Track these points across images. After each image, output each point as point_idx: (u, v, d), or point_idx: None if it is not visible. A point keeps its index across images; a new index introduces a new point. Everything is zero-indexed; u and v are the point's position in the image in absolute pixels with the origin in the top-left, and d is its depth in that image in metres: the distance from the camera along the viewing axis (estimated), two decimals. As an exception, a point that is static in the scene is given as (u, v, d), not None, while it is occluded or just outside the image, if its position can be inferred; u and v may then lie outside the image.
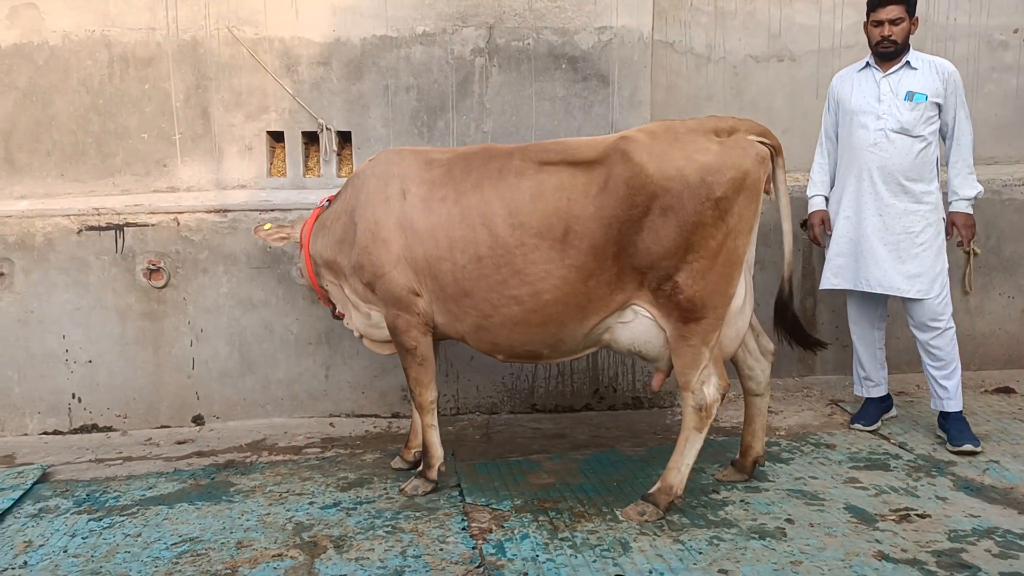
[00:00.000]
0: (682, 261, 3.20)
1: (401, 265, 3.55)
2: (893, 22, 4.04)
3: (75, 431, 4.69)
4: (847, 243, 4.20)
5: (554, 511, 3.44)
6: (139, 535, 3.33)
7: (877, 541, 3.11)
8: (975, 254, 5.06)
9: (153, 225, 4.65)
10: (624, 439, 4.34)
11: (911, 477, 3.71)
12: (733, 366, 3.68)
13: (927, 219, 4.06)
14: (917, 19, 4.13)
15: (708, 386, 3.30)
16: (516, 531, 3.26)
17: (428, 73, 5.49)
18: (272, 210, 4.86)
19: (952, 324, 4.12)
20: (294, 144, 5.42)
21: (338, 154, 5.58)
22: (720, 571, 2.92)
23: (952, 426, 4.05)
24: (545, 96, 5.52)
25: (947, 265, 4.12)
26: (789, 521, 3.30)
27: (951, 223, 4.12)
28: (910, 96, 4.03)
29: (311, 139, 5.58)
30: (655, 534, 3.20)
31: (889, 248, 4.08)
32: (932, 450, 4.03)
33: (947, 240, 4.13)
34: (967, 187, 4.07)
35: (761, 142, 3.30)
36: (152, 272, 4.63)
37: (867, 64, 4.21)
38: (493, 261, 3.37)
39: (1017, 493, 3.53)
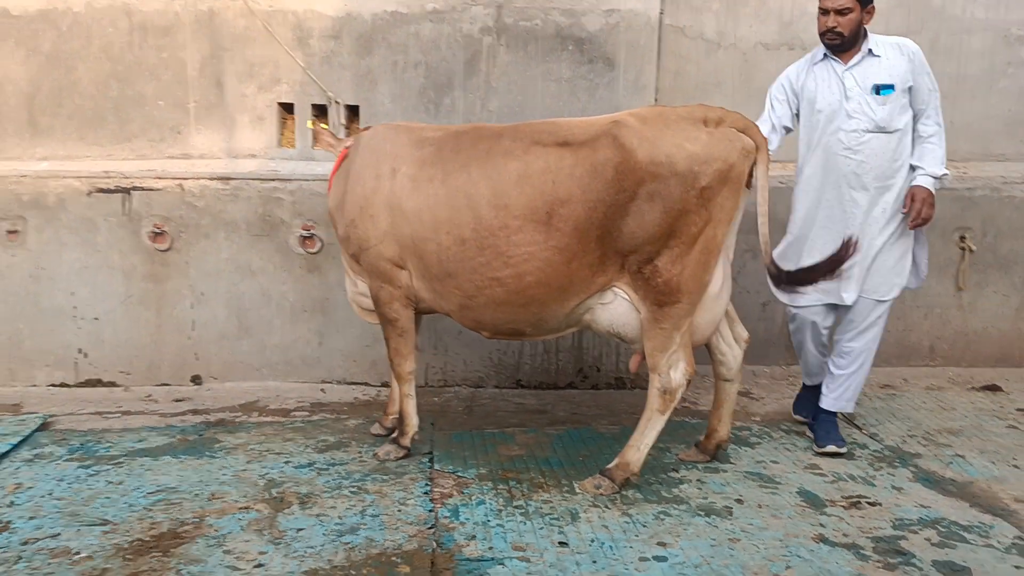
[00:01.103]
0: (663, 246, 3.28)
1: (387, 241, 3.63)
2: (839, 11, 3.73)
3: (81, 384, 4.91)
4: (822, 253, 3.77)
5: (515, 481, 3.56)
6: (121, 483, 3.52)
7: (821, 525, 3.18)
8: (971, 251, 5.04)
9: (159, 190, 4.83)
10: (602, 417, 4.44)
11: (872, 467, 3.76)
12: (706, 350, 3.76)
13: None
14: (872, 8, 3.81)
15: (675, 370, 3.39)
16: (474, 497, 3.39)
17: (436, 50, 5.58)
18: (275, 179, 5.01)
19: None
20: (304, 116, 5.55)
21: (346, 128, 5.70)
22: (659, 543, 3.02)
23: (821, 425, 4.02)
24: (551, 77, 5.58)
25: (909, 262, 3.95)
26: (739, 501, 3.38)
27: (910, 196, 3.78)
28: (877, 90, 3.77)
29: (321, 111, 5.70)
30: (605, 507, 3.31)
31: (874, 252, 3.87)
32: (901, 442, 4.07)
33: (902, 213, 3.83)
34: (935, 164, 3.79)
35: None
36: (157, 235, 4.82)
37: (825, 56, 3.90)
38: (477, 243, 3.43)
39: (975, 488, 3.56)
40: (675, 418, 4.31)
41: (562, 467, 3.73)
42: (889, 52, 3.81)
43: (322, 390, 4.82)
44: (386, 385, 4.89)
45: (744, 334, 3.77)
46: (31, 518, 3.18)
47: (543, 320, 3.55)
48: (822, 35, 3.83)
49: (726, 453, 3.88)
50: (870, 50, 3.83)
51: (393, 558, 2.89)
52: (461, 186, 3.50)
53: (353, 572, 2.79)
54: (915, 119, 3.84)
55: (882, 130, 3.79)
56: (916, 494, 3.48)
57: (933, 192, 3.79)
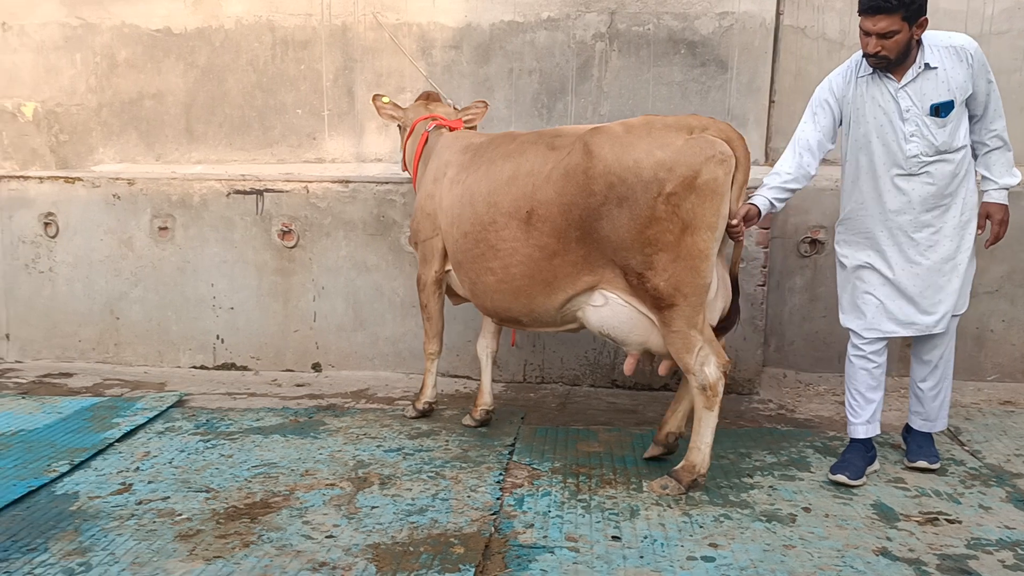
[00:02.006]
0: (641, 253, 3.35)
1: (437, 236, 4.09)
2: (884, 35, 3.26)
3: (217, 368, 5.43)
4: (883, 285, 3.59)
5: (585, 476, 3.67)
6: (231, 456, 3.91)
7: (887, 539, 3.10)
8: None
9: (287, 191, 5.25)
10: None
11: (963, 484, 3.59)
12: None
13: (971, 224, 3.55)
14: (924, 20, 3.30)
15: (708, 366, 3.41)
16: (541, 489, 3.53)
17: (550, 57, 5.75)
18: (389, 182, 5.33)
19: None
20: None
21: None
22: (711, 544, 3.05)
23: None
24: (663, 81, 5.63)
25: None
26: (806, 509, 3.34)
27: (984, 214, 3.54)
28: (936, 110, 3.36)
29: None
30: (667, 506, 3.37)
31: (945, 276, 3.55)
32: (1005, 460, 3.85)
33: (978, 234, 3.58)
34: (1006, 174, 3.50)
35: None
36: (284, 233, 5.25)
37: (874, 70, 3.46)
38: (474, 236, 3.77)
39: (1076, 513, 3.34)
40: (766, 425, 4.31)
41: (636, 466, 3.80)
42: (946, 60, 3.37)
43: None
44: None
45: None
46: (149, 482, 3.61)
47: (535, 311, 3.75)
48: (865, 57, 3.41)
49: (809, 461, 3.82)
50: (927, 63, 3.37)
51: (451, 539, 3.08)
52: (471, 185, 3.86)
53: (411, 548, 3.00)
54: (972, 120, 3.50)
55: (944, 153, 3.42)
56: (1004, 514, 3.31)
57: (1007, 205, 3.56)
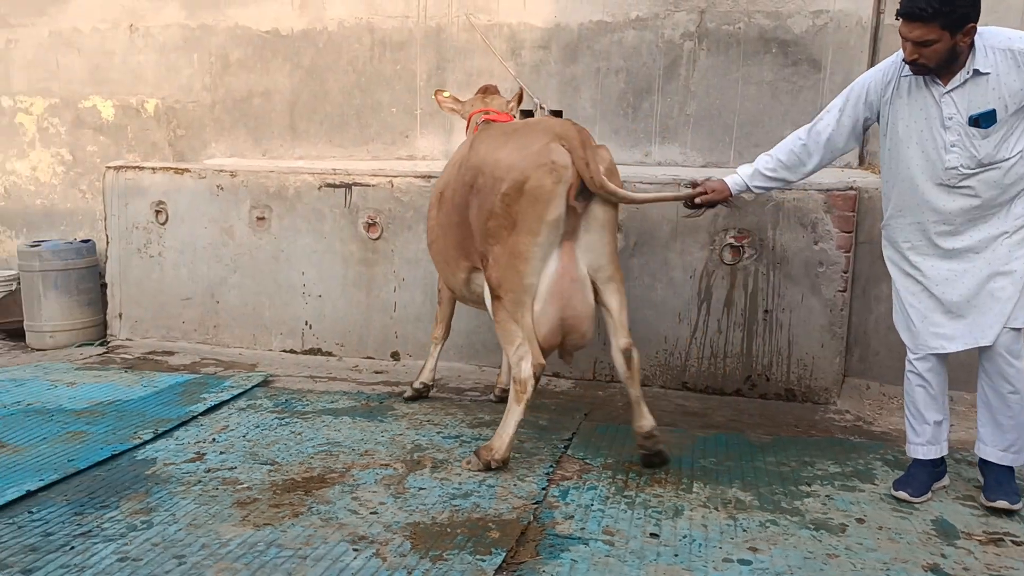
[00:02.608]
0: (484, 243, 3.60)
1: None
2: (921, 43, 2.99)
3: (305, 352, 5.67)
4: (929, 298, 3.35)
5: (636, 473, 3.66)
6: (300, 434, 4.09)
7: (941, 555, 2.96)
8: None
9: (373, 186, 5.44)
10: (759, 426, 4.36)
11: (1041, 507, 3.38)
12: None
13: (1017, 242, 3.20)
14: (972, 28, 2.99)
15: (524, 362, 3.56)
16: (588, 483, 3.55)
17: (637, 56, 5.75)
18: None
19: None
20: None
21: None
22: (751, 548, 2.99)
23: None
24: (752, 80, 5.54)
25: None
26: (859, 520, 3.22)
27: None
28: (976, 121, 3.07)
29: (529, 116, 6.06)
30: (713, 508, 3.32)
31: (984, 294, 3.24)
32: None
33: None
34: None
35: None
36: (370, 225, 5.44)
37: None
38: (426, 213, 4.48)
39: None
40: (838, 435, 4.17)
41: (691, 468, 3.75)
42: (1001, 65, 3.04)
43: (498, 374, 5.17)
44: (557, 375, 5.14)
45: (623, 343, 3.71)
46: (221, 453, 3.83)
47: (455, 284, 4.08)
48: (905, 62, 3.15)
49: (874, 473, 3.68)
50: (976, 69, 3.06)
51: (489, 523, 3.13)
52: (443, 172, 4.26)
53: (449, 529, 3.08)
54: None
55: (987, 167, 3.12)
56: (1079, 542, 3.10)
57: None
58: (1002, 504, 3.34)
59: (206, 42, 6.77)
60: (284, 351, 5.72)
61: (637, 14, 5.67)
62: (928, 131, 3.19)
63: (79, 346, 6.22)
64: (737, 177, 3.59)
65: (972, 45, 3.07)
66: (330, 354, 5.65)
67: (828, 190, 4.51)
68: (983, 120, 3.08)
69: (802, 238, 4.55)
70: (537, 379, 3.59)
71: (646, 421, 3.70)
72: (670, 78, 5.66)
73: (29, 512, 3.16)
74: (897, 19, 3.08)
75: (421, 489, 3.45)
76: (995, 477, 3.42)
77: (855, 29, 5.26)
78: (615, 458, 3.84)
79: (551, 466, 3.72)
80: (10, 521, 3.09)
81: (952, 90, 3.12)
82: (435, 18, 6.15)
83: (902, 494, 3.41)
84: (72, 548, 2.88)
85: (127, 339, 6.08)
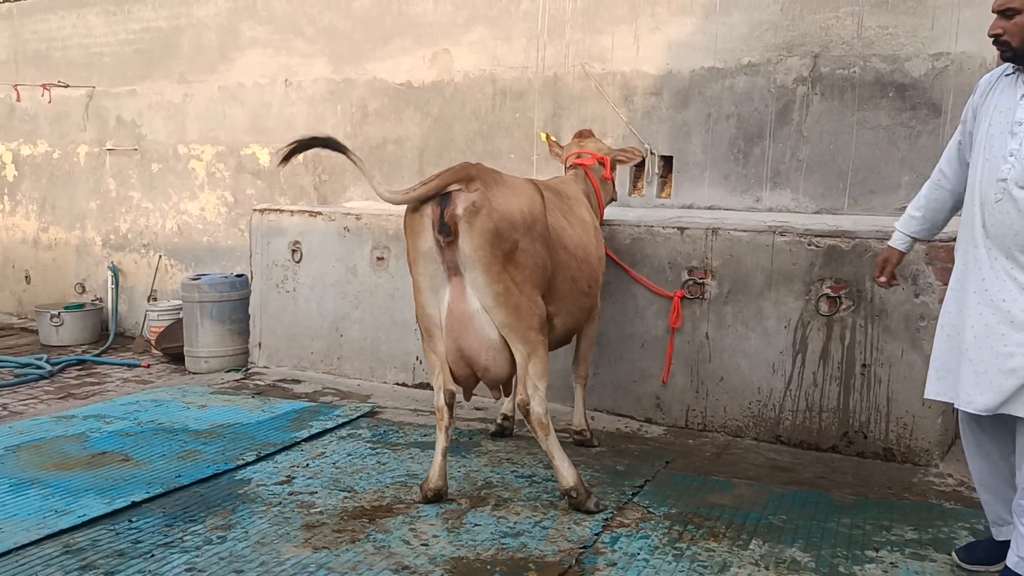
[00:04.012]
0: None
1: None
2: (1004, 13, 2.74)
3: (415, 386, 5.97)
4: (947, 335, 3.06)
5: (694, 526, 3.63)
6: (385, 464, 4.35)
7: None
8: None
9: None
10: (848, 486, 4.18)
11: None
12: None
13: None
14: None
15: (439, 391, 3.82)
16: (642, 531, 3.56)
17: (749, 102, 5.72)
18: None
19: None
20: (625, 166, 6.05)
21: (660, 177, 6.08)
22: (786, 612, 2.92)
23: None
24: (867, 125, 5.39)
25: None
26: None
27: None
28: None
29: (639, 162, 6.15)
30: (766, 567, 3.25)
31: (990, 352, 2.87)
32: None
33: None
34: None
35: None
36: (477, 267, 5.68)
37: (1015, 69, 2.90)
38: None
39: None
40: (932, 500, 3.95)
41: (756, 524, 3.67)
42: None
43: (592, 417, 5.22)
44: (649, 421, 5.14)
45: (518, 397, 3.79)
46: (309, 478, 4.13)
47: None
48: (990, 37, 2.87)
49: (952, 543, 3.46)
50: None
51: (530, 564, 3.23)
52: None
53: (489, 567, 3.20)
54: None
55: None
56: None
57: None
58: None
59: (348, 94, 7.33)
60: (397, 384, 6.04)
61: (749, 60, 5.64)
62: (998, 136, 2.87)
63: (228, 371, 6.83)
64: (897, 235, 3.33)
65: None
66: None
67: (930, 240, 4.29)
68: None
69: (902, 290, 4.35)
70: (450, 406, 3.81)
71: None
72: (782, 123, 5.58)
73: (129, 521, 3.57)
74: None
75: (476, 525, 3.58)
76: None
77: (978, 71, 4.98)
78: (680, 508, 3.82)
79: (612, 512, 3.76)
80: (111, 527, 3.50)
81: None
82: (552, 68, 6.37)
83: (954, 556, 3.23)
84: (152, 556, 3.23)
85: (264, 367, 6.62)
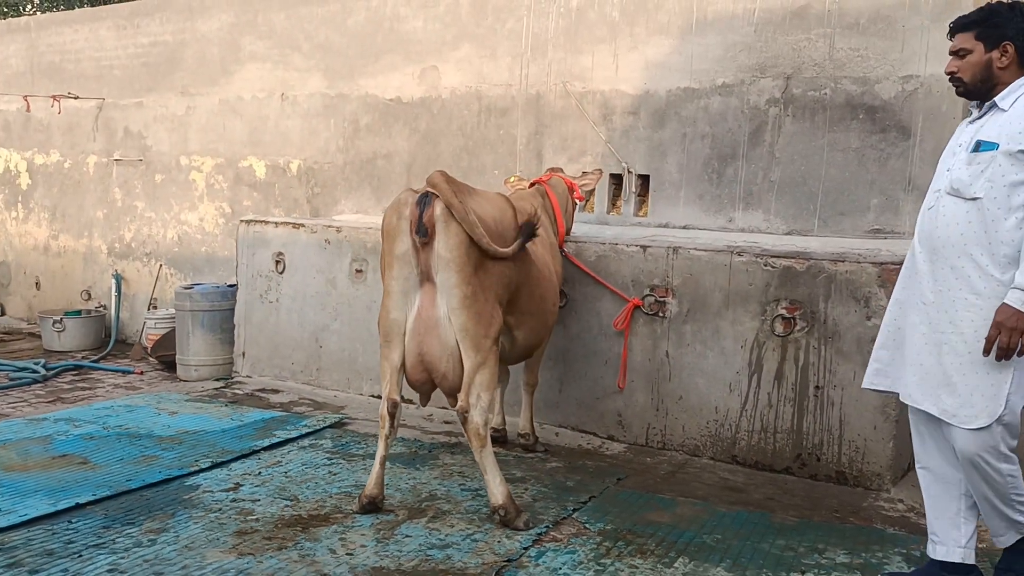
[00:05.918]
0: None
1: None
2: (957, 54, 3.02)
3: (389, 398, 6.02)
4: (891, 331, 3.26)
5: (625, 543, 3.63)
6: (336, 475, 4.40)
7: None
8: None
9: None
10: (794, 507, 4.15)
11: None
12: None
13: (984, 316, 2.89)
14: (1008, 47, 2.94)
15: (384, 400, 3.90)
16: (571, 546, 3.57)
17: (723, 122, 5.74)
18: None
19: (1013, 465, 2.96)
20: (603, 184, 6.09)
21: (637, 195, 6.11)
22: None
23: None
24: (838, 147, 5.38)
25: (1009, 383, 2.88)
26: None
27: (995, 321, 2.85)
28: (978, 146, 2.95)
29: (617, 180, 6.19)
30: (680, 586, 3.24)
31: (929, 348, 3.04)
32: None
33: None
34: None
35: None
36: (449, 282, 5.73)
37: (971, 105, 3.17)
38: None
39: None
40: (877, 525, 3.92)
41: (688, 542, 3.66)
42: (1020, 106, 2.92)
43: (556, 434, 5.24)
44: (611, 438, 5.14)
45: (459, 403, 3.84)
46: (258, 485, 4.20)
47: None
48: (947, 75, 3.16)
49: (883, 568, 3.42)
50: (995, 103, 2.98)
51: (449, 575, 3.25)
52: None
53: (407, 577, 3.23)
54: None
55: (957, 193, 2.97)
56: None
57: (1021, 310, 2.79)
58: None
59: (341, 108, 7.45)
60: (372, 396, 6.10)
61: (723, 80, 5.65)
62: (945, 157, 3.14)
63: (217, 380, 6.94)
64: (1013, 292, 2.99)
65: (1003, 83, 2.99)
66: (410, 401, 5.92)
67: (882, 263, 4.27)
68: (983, 145, 2.95)
69: (855, 312, 4.33)
70: (392, 416, 3.88)
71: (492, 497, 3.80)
72: (755, 144, 5.58)
73: (69, 522, 3.66)
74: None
75: (407, 536, 3.62)
76: None
77: (947, 95, 4.95)
78: (617, 525, 3.82)
79: (547, 527, 3.77)
80: (50, 527, 3.59)
81: (975, 120, 3.08)
82: (535, 86, 6.43)
83: None
84: (80, 556, 3.32)
85: (247, 376, 6.72)
